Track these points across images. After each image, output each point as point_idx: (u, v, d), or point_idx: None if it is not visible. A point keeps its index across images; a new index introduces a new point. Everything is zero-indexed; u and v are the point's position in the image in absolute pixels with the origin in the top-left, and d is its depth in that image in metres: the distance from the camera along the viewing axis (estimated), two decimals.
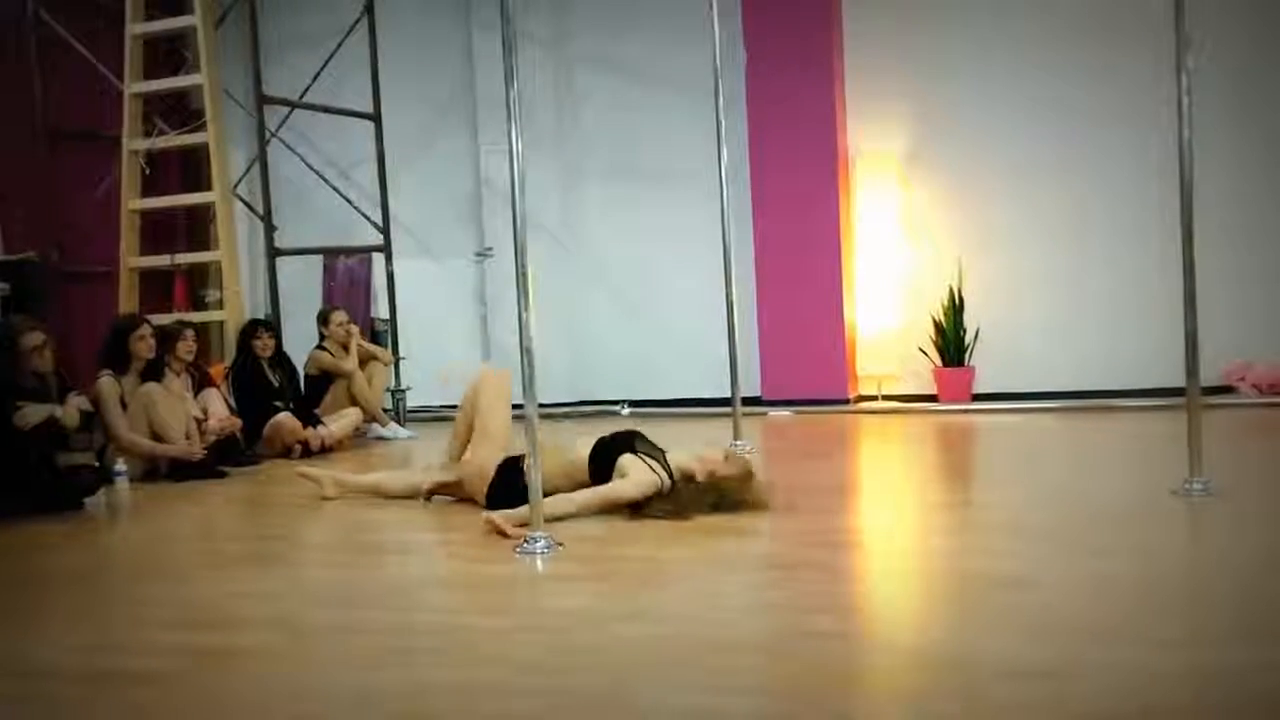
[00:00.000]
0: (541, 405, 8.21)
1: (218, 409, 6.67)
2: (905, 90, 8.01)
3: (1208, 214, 5.93)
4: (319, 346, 7.65)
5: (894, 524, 4.50)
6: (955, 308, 7.77)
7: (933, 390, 7.84)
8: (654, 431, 7.74)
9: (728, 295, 6.37)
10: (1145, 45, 6.86)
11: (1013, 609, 3.13)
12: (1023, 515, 4.28)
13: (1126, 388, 7.36)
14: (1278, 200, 7.32)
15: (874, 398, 8.02)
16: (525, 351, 4.05)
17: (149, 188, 8.12)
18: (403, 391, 8.46)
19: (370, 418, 7.66)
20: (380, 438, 7.66)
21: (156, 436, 6.17)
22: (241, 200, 8.41)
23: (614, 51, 8.66)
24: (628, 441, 4.64)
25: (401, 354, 8.57)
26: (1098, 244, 7.62)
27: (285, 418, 6.97)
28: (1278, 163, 7.31)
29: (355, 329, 7.76)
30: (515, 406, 4.73)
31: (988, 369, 7.77)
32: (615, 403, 8.44)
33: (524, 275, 4.08)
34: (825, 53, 7.92)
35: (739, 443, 6.19)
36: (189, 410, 6.42)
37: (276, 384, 7.20)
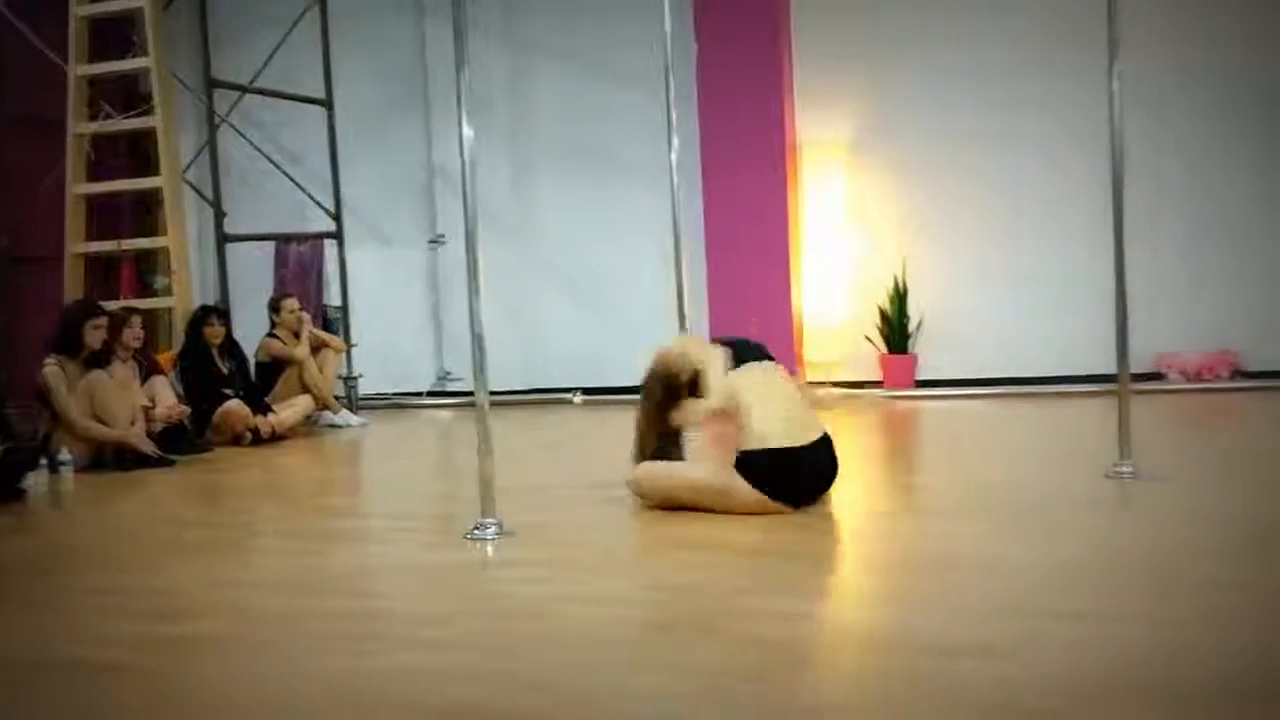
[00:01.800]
0: (493, 393, 8.33)
1: (165, 397, 6.65)
2: (852, 82, 8.12)
3: (1142, 210, 6.11)
4: (270, 334, 7.65)
5: (837, 506, 4.62)
6: (899, 296, 7.92)
7: (878, 376, 7.99)
8: (606, 420, 7.84)
9: (678, 283, 6.45)
10: (1089, 44, 7.00)
11: (950, 588, 3.26)
12: (961, 497, 4.41)
13: (1063, 374, 7.53)
14: (1206, 198, 7.50)
15: (821, 383, 8.15)
16: (475, 338, 4.11)
17: (96, 173, 8.06)
18: (355, 379, 8.48)
19: (322, 405, 7.67)
20: (332, 425, 7.68)
21: (101, 424, 6.15)
22: (191, 186, 8.37)
23: (566, 41, 8.70)
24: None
25: (354, 341, 8.59)
26: (1036, 236, 7.77)
27: (235, 405, 6.97)
28: (1208, 162, 7.49)
29: (307, 316, 7.76)
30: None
31: (930, 356, 7.94)
32: (567, 390, 8.51)
33: (475, 263, 4.13)
34: (774, 43, 8.01)
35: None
36: (135, 398, 6.40)
37: (226, 371, 7.19)
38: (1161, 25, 7.31)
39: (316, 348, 7.74)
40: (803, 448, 4.17)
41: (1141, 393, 6.79)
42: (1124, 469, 4.54)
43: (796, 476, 4.17)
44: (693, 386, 4.39)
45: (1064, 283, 7.62)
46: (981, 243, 7.91)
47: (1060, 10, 7.60)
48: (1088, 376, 7.26)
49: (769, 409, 4.19)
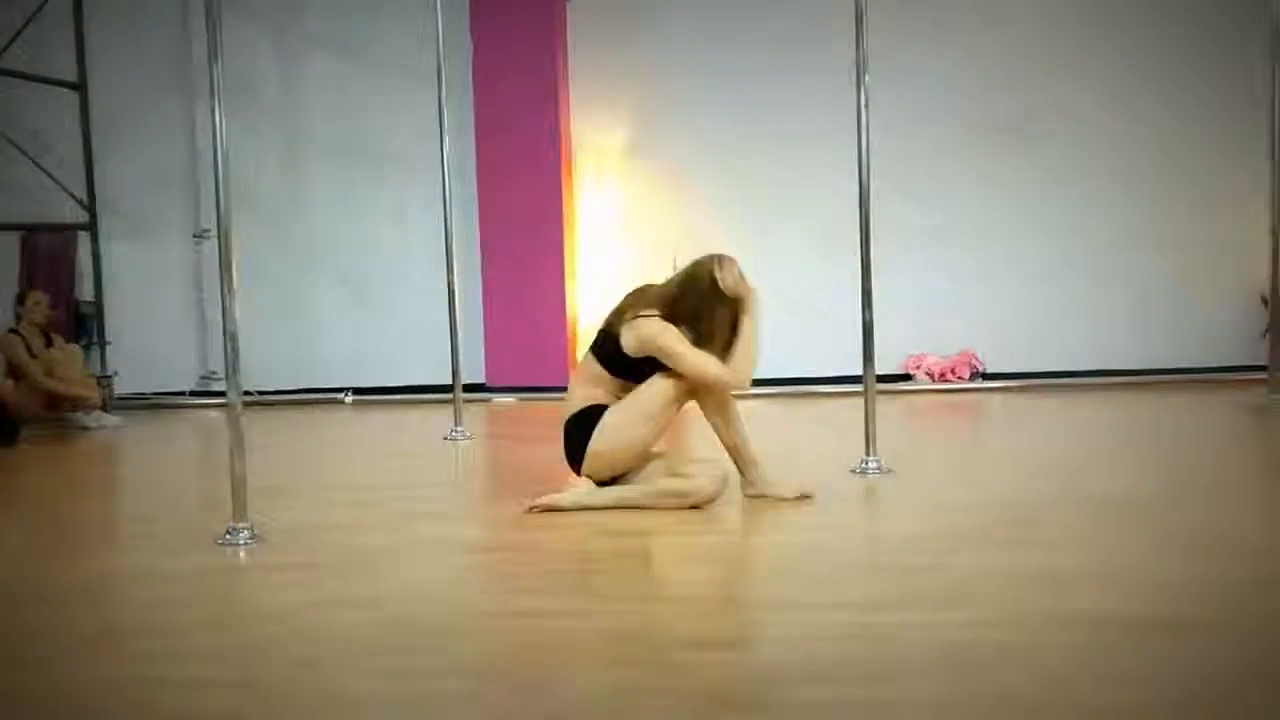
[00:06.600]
0: (262, 392, 8.05)
1: None
2: (627, 85, 8.24)
3: (892, 220, 6.45)
4: (12, 329, 7.20)
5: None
6: None
7: None
8: (377, 418, 7.72)
9: (449, 283, 6.45)
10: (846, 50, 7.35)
11: (699, 583, 3.41)
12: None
13: (824, 375, 7.82)
14: (954, 208, 7.97)
15: None
16: (228, 335, 3.99)
17: None
18: (109, 378, 8.08)
19: (73, 406, 7.25)
20: (84, 427, 7.25)
21: None
22: None
23: (338, 31, 8.51)
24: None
25: (108, 338, 8.20)
26: (798, 243, 7.97)
27: None
28: (950, 170, 7.95)
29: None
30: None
31: None
32: (338, 390, 8.34)
33: (229, 257, 4.01)
34: (549, 43, 8.06)
35: (458, 429, 6.29)
36: None
37: None
38: (912, 31, 7.72)
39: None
40: None
41: (891, 393, 7.20)
42: (869, 465, 4.81)
43: None
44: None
45: (825, 288, 7.85)
46: (742, 248, 8.10)
47: (821, 20, 7.87)
48: (844, 378, 7.58)
49: None
